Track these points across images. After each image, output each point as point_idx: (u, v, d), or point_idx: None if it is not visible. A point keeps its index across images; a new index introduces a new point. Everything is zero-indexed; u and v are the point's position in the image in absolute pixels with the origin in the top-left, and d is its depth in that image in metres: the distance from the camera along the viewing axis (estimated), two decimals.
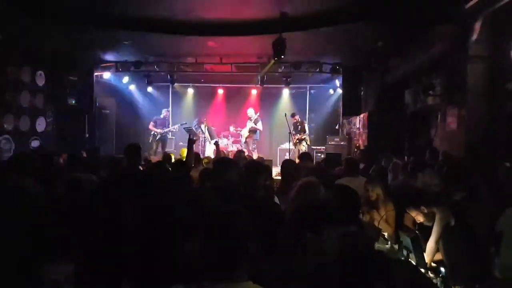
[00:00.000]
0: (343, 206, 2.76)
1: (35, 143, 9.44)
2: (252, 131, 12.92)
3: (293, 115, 12.60)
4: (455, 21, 6.66)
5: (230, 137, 13.66)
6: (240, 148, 13.01)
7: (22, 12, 7.04)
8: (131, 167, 4.68)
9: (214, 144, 11.49)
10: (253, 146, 12.94)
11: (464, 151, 6.47)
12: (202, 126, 12.89)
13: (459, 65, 6.78)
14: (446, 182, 4.38)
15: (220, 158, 4.81)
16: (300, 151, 12.12)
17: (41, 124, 9.76)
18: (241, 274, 1.64)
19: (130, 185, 3.33)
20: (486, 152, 6.05)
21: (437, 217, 3.38)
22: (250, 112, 12.99)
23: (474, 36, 6.37)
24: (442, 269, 3.13)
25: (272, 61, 10.17)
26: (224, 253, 1.64)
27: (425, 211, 3.42)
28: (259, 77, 12.38)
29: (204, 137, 13.07)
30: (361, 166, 7.01)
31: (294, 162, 5.92)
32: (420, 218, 3.47)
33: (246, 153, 11.91)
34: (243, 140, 13.16)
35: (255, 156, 11.65)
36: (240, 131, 13.50)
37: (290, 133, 12.24)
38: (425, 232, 3.48)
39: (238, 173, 3.62)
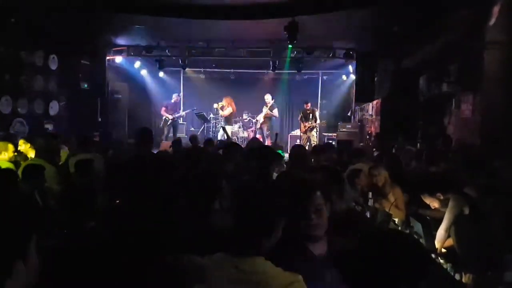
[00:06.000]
0: None
1: (48, 127, 9.53)
2: (268, 117, 12.86)
3: (306, 102, 12.50)
4: (472, 6, 6.49)
5: (240, 122, 13.60)
6: (253, 134, 12.99)
7: None
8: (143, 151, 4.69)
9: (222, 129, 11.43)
10: (267, 133, 12.88)
11: (479, 138, 6.36)
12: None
13: (475, 51, 6.63)
14: (464, 169, 4.30)
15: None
16: (311, 138, 12.09)
17: (54, 108, 9.85)
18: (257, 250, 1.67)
19: None
20: (502, 139, 5.94)
21: (450, 204, 3.33)
22: (268, 97, 12.89)
23: (492, 21, 6.20)
24: (453, 256, 3.11)
25: (290, 47, 10.06)
26: (251, 228, 1.67)
27: (441, 197, 3.38)
28: (275, 62, 12.14)
29: (215, 121, 13.08)
30: (375, 153, 7.00)
31: (304, 148, 5.90)
32: (435, 204, 3.44)
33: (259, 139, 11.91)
34: (257, 125, 13.10)
35: (267, 142, 11.63)
36: (253, 117, 13.44)
37: (301, 120, 12.19)
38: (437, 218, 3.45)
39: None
